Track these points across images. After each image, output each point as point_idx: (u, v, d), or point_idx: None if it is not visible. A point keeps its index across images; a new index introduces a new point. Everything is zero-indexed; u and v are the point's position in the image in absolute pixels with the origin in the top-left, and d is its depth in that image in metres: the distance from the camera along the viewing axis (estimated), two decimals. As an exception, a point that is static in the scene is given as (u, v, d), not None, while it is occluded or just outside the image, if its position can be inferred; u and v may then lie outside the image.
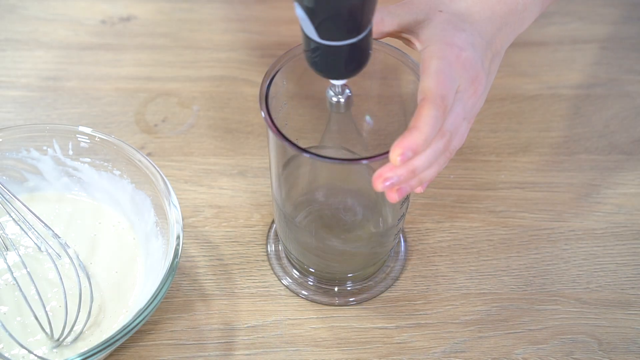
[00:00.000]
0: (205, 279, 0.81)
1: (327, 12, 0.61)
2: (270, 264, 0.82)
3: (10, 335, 0.72)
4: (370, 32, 0.64)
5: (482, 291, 0.81)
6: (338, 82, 0.68)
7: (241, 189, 0.88)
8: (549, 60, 0.99)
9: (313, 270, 0.80)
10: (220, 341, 0.78)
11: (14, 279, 0.74)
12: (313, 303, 0.80)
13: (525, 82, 0.97)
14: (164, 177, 0.78)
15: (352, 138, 0.74)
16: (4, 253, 0.78)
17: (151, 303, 0.71)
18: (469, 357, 0.77)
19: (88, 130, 0.81)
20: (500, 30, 0.73)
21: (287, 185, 0.75)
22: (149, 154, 0.89)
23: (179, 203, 0.77)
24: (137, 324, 0.71)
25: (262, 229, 0.85)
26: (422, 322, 0.79)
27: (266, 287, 0.81)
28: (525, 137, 0.92)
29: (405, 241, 0.84)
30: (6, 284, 0.78)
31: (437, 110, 0.65)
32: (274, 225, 0.84)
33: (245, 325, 0.79)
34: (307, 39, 0.64)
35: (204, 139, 0.92)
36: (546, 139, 0.92)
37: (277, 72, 0.71)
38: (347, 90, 0.69)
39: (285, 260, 0.82)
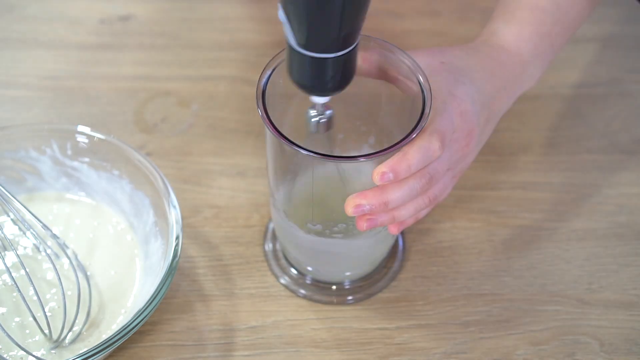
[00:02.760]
0: (205, 280, 0.81)
1: (315, 19, 0.60)
2: (268, 263, 0.82)
3: (9, 336, 0.72)
4: (355, 50, 0.63)
5: (483, 292, 0.81)
6: (320, 100, 0.67)
7: (240, 189, 0.88)
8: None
9: (311, 269, 0.80)
10: (219, 342, 0.77)
11: (13, 279, 0.74)
12: (312, 303, 0.79)
13: (526, 82, 0.97)
14: (163, 177, 0.78)
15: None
16: (3, 254, 0.78)
17: (150, 304, 0.71)
18: (470, 357, 0.77)
19: (87, 130, 0.81)
20: (499, 92, 0.74)
21: (285, 183, 0.75)
22: (148, 154, 0.89)
23: (178, 203, 0.76)
24: (136, 325, 0.70)
25: (262, 229, 0.85)
26: (423, 322, 0.79)
27: (266, 288, 0.81)
28: (527, 137, 0.92)
29: (403, 240, 0.84)
30: (4, 285, 0.77)
31: (429, 143, 0.66)
32: (271, 225, 0.84)
33: (245, 326, 0.78)
34: (291, 48, 0.63)
35: (203, 138, 0.92)
36: (547, 138, 0.92)
37: (273, 69, 0.70)
38: (328, 112, 0.68)
39: (283, 260, 0.82)
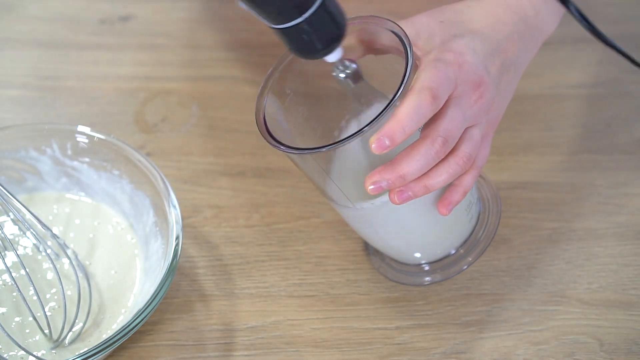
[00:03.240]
0: (205, 280, 0.81)
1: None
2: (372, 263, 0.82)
3: (9, 336, 0.72)
4: (323, 5, 0.63)
5: (483, 292, 0.81)
6: (330, 59, 0.67)
7: (241, 189, 0.88)
8: (550, 59, 0.99)
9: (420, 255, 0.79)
10: (219, 342, 0.77)
11: (13, 279, 0.74)
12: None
13: (527, 82, 0.96)
14: (164, 177, 0.78)
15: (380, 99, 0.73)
16: (3, 254, 0.77)
17: (150, 303, 0.71)
18: (470, 358, 0.77)
19: (87, 130, 0.81)
20: (510, 38, 0.72)
21: (344, 183, 0.73)
22: (148, 154, 0.89)
23: (179, 203, 0.76)
24: (137, 325, 0.70)
25: (262, 229, 0.85)
26: (423, 322, 0.79)
27: (266, 288, 0.81)
28: (527, 137, 0.92)
29: None
30: (5, 285, 0.77)
31: (419, 100, 0.65)
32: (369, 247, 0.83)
33: (245, 326, 0.78)
34: (275, 30, 0.64)
35: (204, 138, 0.92)
36: (548, 138, 0.92)
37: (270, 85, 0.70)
38: (353, 65, 0.68)
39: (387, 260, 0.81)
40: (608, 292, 0.80)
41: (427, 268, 0.79)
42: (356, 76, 0.69)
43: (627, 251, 0.83)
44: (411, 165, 0.66)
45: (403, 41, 0.68)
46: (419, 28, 0.71)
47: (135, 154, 0.79)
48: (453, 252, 0.78)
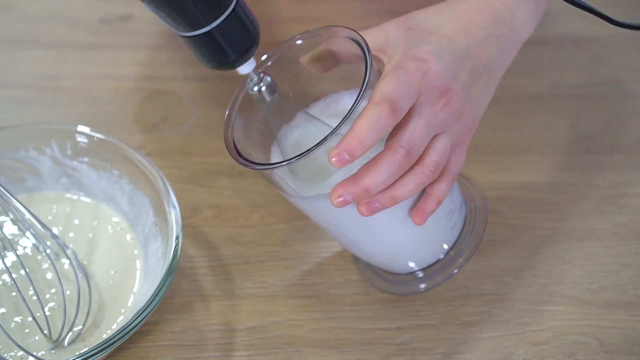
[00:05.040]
0: (205, 280, 0.81)
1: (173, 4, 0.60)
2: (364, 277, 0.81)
3: (9, 336, 0.71)
4: (241, 7, 0.63)
5: (483, 292, 0.81)
6: (242, 71, 0.67)
7: (241, 189, 0.88)
8: (550, 59, 0.99)
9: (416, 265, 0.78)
10: (219, 342, 0.77)
11: (12, 279, 0.74)
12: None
13: (527, 82, 0.97)
14: (163, 177, 0.78)
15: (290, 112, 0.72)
16: (2, 254, 0.77)
17: (150, 304, 0.71)
18: (470, 358, 0.76)
19: (87, 129, 0.81)
20: (485, 41, 0.70)
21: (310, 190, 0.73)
22: (148, 154, 0.89)
23: (178, 203, 0.76)
24: (136, 325, 0.70)
25: (262, 229, 0.85)
26: (423, 323, 0.79)
27: (266, 288, 0.81)
28: (527, 137, 0.92)
29: None
30: (4, 285, 0.77)
31: (377, 113, 0.63)
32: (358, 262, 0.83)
33: (245, 326, 0.78)
34: (185, 38, 0.63)
35: (204, 138, 0.92)
36: (548, 138, 0.92)
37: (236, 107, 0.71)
38: (267, 78, 0.68)
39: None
40: (608, 292, 0.80)
41: (420, 275, 0.79)
42: (271, 89, 0.68)
43: (628, 251, 0.83)
44: (374, 178, 0.65)
45: (362, 48, 0.66)
46: (386, 33, 0.70)
47: (135, 154, 0.79)
48: (442, 256, 0.78)
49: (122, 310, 0.77)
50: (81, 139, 0.81)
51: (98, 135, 0.81)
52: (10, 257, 0.79)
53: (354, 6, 1.04)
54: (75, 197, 0.83)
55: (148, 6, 0.61)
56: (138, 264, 0.80)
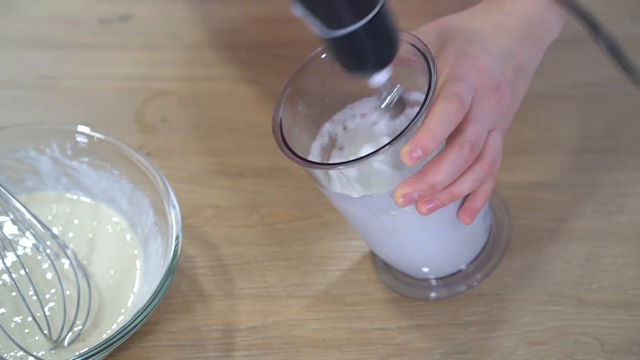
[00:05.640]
0: (205, 280, 0.81)
1: None
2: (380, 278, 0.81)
3: (9, 336, 0.71)
4: (384, 9, 0.61)
5: (483, 292, 0.80)
6: (382, 78, 0.65)
7: (241, 189, 0.88)
8: (551, 59, 0.98)
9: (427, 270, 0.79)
10: (219, 342, 0.77)
11: (12, 279, 0.74)
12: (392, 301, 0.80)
13: (527, 82, 0.96)
14: (163, 177, 0.78)
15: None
16: (2, 254, 0.77)
17: (150, 304, 0.71)
18: (470, 358, 0.76)
19: (87, 129, 0.81)
20: (521, 43, 0.73)
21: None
22: (148, 154, 0.89)
23: (178, 203, 0.76)
24: (136, 325, 0.70)
25: (262, 229, 0.85)
26: (423, 323, 0.79)
27: (266, 288, 0.81)
28: (527, 137, 0.92)
29: None
30: (4, 285, 0.77)
31: (447, 107, 0.64)
32: (376, 260, 0.83)
33: (245, 326, 0.78)
34: (327, 40, 0.61)
35: (204, 138, 0.91)
36: (548, 138, 0.91)
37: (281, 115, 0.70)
38: (400, 88, 0.67)
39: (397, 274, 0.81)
40: (608, 292, 0.80)
41: (434, 283, 0.80)
42: (403, 101, 0.67)
43: (628, 251, 0.83)
44: (441, 174, 0.66)
45: (425, 55, 0.67)
46: (428, 35, 0.71)
47: (134, 154, 0.79)
48: (464, 267, 0.80)
49: (122, 310, 0.77)
50: (81, 139, 0.81)
51: (98, 135, 0.81)
52: (10, 257, 0.79)
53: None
54: (75, 197, 0.83)
55: (301, 6, 0.60)
56: (138, 264, 0.80)
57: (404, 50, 0.67)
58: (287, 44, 1.00)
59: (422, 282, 0.80)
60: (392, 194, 0.67)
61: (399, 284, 0.80)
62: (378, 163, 0.70)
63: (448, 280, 0.80)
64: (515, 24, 0.73)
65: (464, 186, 0.68)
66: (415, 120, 0.64)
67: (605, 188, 0.87)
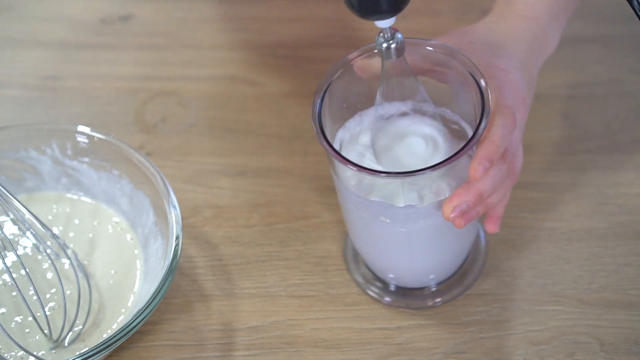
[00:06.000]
0: (205, 280, 0.81)
1: None
2: (352, 277, 0.81)
3: (9, 336, 0.72)
4: None
5: (482, 292, 0.81)
6: (384, 24, 0.66)
7: (241, 189, 0.88)
8: (550, 59, 0.99)
9: (393, 276, 0.79)
10: (219, 342, 0.77)
11: (13, 279, 0.74)
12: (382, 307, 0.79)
13: (526, 82, 0.97)
14: (163, 177, 0.78)
15: (410, 87, 0.72)
16: (3, 253, 0.77)
17: (150, 303, 0.71)
18: (470, 357, 0.76)
19: (87, 130, 0.81)
20: (529, 55, 0.76)
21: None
22: (148, 154, 0.89)
23: (179, 203, 0.76)
24: (137, 325, 0.70)
25: (262, 229, 0.85)
26: (423, 322, 0.79)
27: (266, 288, 0.81)
28: (527, 137, 0.91)
29: None
30: (4, 285, 0.77)
31: (504, 119, 0.67)
32: (348, 246, 0.83)
33: (245, 326, 0.78)
34: None
35: (204, 138, 0.92)
36: (547, 138, 0.91)
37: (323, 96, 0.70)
38: (398, 35, 0.67)
39: (365, 270, 0.81)
40: (608, 292, 0.80)
41: (434, 289, 0.80)
42: (400, 48, 0.67)
43: (627, 251, 0.83)
44: (487, 183, 0.68)
45: (476, 79, 0.68)
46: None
47: (135, 154, 0.79)
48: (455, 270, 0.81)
49: (122, 310, 0.77)
50: (81, 139, 0.81)
51: (98, 135, 0.81)
52: (10, 257, 0.79)
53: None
54: (75, 197, 0.83)
55: None
56: (138, 263, 0.80)
57: (436, 59, 0.69)
58: (287, 44, 1.00)
59: (418, 291, 0.80)
60: (438, 205, 0.69)
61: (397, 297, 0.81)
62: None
63: (446, 284, 0.80)
64: (524, 37, 0.76)
65: (498, 195, 0.70)
66: (477, 135, 0.66)
67: (605, 188, 0.87)
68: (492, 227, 0.74)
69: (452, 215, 0.68)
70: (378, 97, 0.71)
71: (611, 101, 0.95)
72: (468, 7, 1.04)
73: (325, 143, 0.68)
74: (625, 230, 0.85)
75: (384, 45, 0.67)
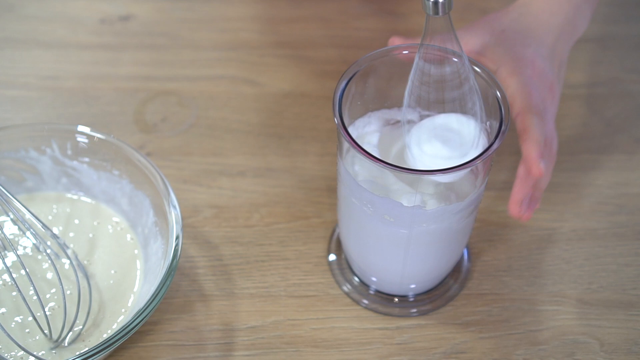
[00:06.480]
0: (205, 280, 0.81)
1: None
2: (332, 273, 0.82)
3: (9, 336, 0.72)
4: None
5: (483, 292, 0.81)
6: None
7: (241, 189, 0.88)
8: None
9: (375, 280, 0.80)
10: (219, 342, 0.77)
11: (13, 279, 0.74)
12: (371, 313, 0.79)
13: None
14: (163, 177, 0.78)
15: (452, 50, 0.70)
16: (3, 253, 0.77)
17: (150, 303, 0.71)
18: (470, 357, 0.77)
19: (87, 130, 0.81)
20: (559, 39, 0.78)
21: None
22: (148, 154, 0.89)
23: (179, 203, 0.76)
24: (137, 325, 0.70)
25: (262, 229, 0.85)
26: (423, 322, 0.79)
27: (266, 288, 0.81)
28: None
29: None
30: (5, 285, 0.77)
31: (537, 117, 0.72)
32: (335, 235, 0.84)
33: (245, 326, 0.78)
34: None
35: (204, 138, 0.92)
36: (547, 138, 0.92)
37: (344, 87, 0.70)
38: None
39: (347, 270, 0.82)
40: (608, 292, 0.80)
41: (412, 299, 0.80)
42: (448, 5, 0.66)
43: (627, 251, 0.83)
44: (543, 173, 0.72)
45: (500, 105, 0.69)
46: (482, 36, 0.76)
47: (135, 154, 0.79)
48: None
49: (122, 310, 0.77)
50: (81, 139, 0.81)
51: (98, 135, 0.81)
52: (10, 257, 0.79)
53: (353, 6, 1.04)
54: (75, 197, 0.83)
55: None
56: (138, 263, 0.80)
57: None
58: (287, 44, 1.00)
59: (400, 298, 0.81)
60: (444, 210, 0.69)
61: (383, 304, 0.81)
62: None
63: (429, 294, 0.81)
64: (555, 22, 0.78)
65: (546, 179, 0.75)
66: (498, 140, 0.67)
67: (605, 188, 0.88)
68: (529, 213, 0.76)
69: (517, 210, 0.73)
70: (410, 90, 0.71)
71: (611, 101, 0.95)
72: (468, 7, 1.04)
73: (342, 130, 0.68)
74: (626, 231, 0.85)
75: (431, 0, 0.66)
